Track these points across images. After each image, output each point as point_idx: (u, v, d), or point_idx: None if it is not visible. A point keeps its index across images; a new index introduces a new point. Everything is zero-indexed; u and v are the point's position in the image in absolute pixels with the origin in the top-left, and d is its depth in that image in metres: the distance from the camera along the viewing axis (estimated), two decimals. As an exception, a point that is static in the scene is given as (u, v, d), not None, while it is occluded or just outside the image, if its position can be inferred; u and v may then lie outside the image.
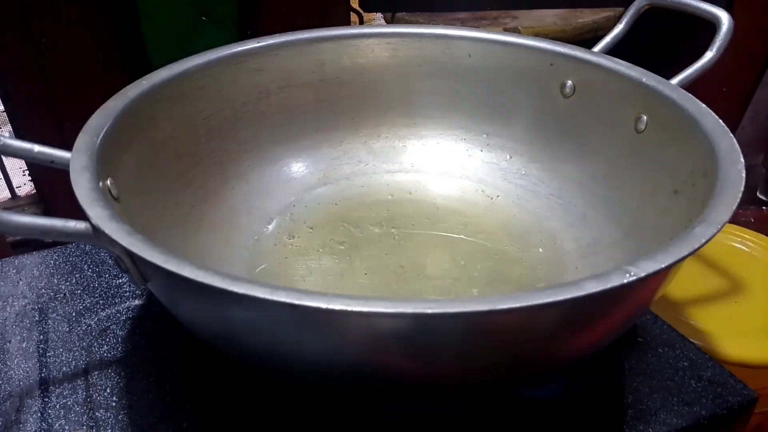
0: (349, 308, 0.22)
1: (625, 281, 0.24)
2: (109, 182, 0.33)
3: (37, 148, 0.34)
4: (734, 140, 0.33)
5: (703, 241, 0.26)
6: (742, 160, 0.32)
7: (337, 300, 0.22)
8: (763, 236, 0.62)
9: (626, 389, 0.36)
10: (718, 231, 0.27)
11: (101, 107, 0.37)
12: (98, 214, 0.27)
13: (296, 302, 0.22)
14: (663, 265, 0.24)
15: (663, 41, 0.89)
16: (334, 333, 0.25)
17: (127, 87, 0.40)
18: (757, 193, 0.97)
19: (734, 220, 0.78)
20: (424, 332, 0.24)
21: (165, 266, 0.24)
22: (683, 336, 0.40)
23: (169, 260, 0.24)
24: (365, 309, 0.22)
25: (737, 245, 0.61)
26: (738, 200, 0.29)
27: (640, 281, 0.24)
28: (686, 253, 0.25)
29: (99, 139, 0.34)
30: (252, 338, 0.28)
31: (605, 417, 0.35)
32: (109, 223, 0.27)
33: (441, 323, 0.24)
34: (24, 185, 1.14)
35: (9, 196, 0.98)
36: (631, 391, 0.36)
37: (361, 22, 0.88)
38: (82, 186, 0.29)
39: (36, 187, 0.88)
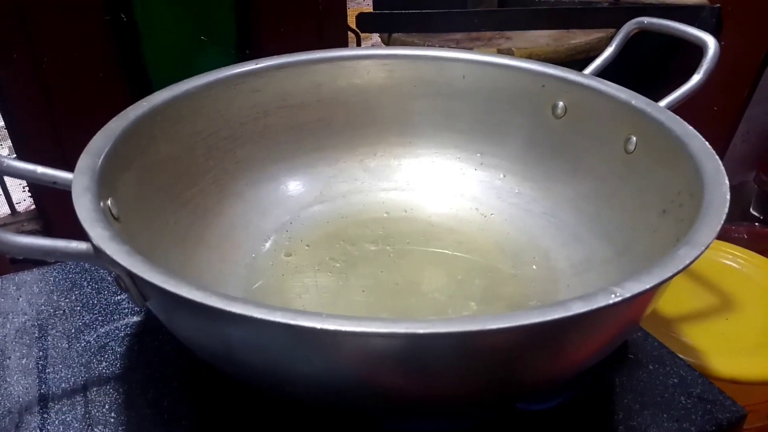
0: (343, 328, 0.23)
1: (611, 302, 0.24)
2: (109, 202, 0.34)
3: (39, 169, 0.35)
4: (720, 163, 0.34)
5: (687, 262, 0.26)
6: (727, 182, 0.33)
7: (331, 320, 0.23)
8: (754, 253, 0.63)
9: (617, 406, 0.37)
10: (701, 252, 0.27)
11: (102, 128, 0.38)
12: (99, 235, 0.28)
13: (291, 322, 0.23)
14: (647, 287, 0.25)
15: (657, 61, 0.91)
16: (328, 352, 0.26)
17: (128, 108, 0.40)
18: (750, 210, 0.98)
19: (727, 236, 0.79)
20: (416, 351, 0.25)
21: (164, 286, 0.25)
22: (673, 353, 0.40)
23: (167, 281, 0.25)
24: (358, 329, 0.23)
25: (729, 262, 0.62)
26: (722, 222, 0.30)
27: (626, 302, 0.25)
28: (670, 274, 0.26)
29: (100, 161, 0.34)
30: (248, 356, 0.28)
31: (597, 433, 0.35)
32: (110, 244, 0.27)
33: (432, 343, 0.24)
34: (24, 201, 1.15)
35: (9, 211, 0.99)
36: (622, 407, 0.37)
37: (359, 42, 0.90)
38: (83, 207, 0.30)
39: (36, 203, 0.88)
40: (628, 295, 0.25)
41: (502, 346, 0.26)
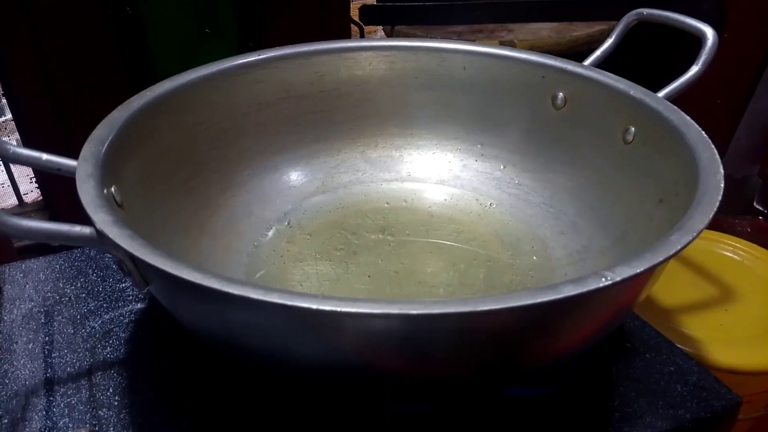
0: (338, 309, 0.23)
1: (601, 285, 0.25)
2: (113, 189, 0.34)
3: (44, 156, 0.35)
4: (715, 151, 0.35)
5: (678, 248, 0.27)
6: (722, 170, 0.33)
7: (327, 301, 0.23)
8: (755, 245, 0.63)
9: (613, 393, 0.37)
10: (693, 239, 0.28)
11: (106, 117, 0.38)
12: (102, 220, 0.28)
13: (288, 303, 0.24)
14: (638, 271, 0.26)
15: (659, 53, 0.91)
16: (325, 333, 0.26)
17: (132, 98, 0.41)
18: (754, 203, 0.97)
19: (730, 229, 0.79)
20: (410, 332, 0.26)
21: (164, 268, 0.25)
22: (670, 342, 0.41)
23: (168, 263, 0.26)
24: (353, 310, 0.23)
25: (729, 254, 0.62)
26: (715, 209, 0.30)
27: (616, 286, 0.25)
28: (661, 259, 0.26)
29: (104, 149, 0.35)
30: (248, 338, 0.29)
31: (592, 419, 0.36)
32: (112, 228, 0.28)
33: (425, 324, 0.25)
34: (31, 192, 1.16)
35: (16, 202, 1.00)
36: (618, 395, 0.37)
37: (362, 35, 0.90)
38: (87, 193, 0.31)
39: (42, 193, 0.89)
40: (618, 279, 0.25)
41: (494, 328, 0.26)
